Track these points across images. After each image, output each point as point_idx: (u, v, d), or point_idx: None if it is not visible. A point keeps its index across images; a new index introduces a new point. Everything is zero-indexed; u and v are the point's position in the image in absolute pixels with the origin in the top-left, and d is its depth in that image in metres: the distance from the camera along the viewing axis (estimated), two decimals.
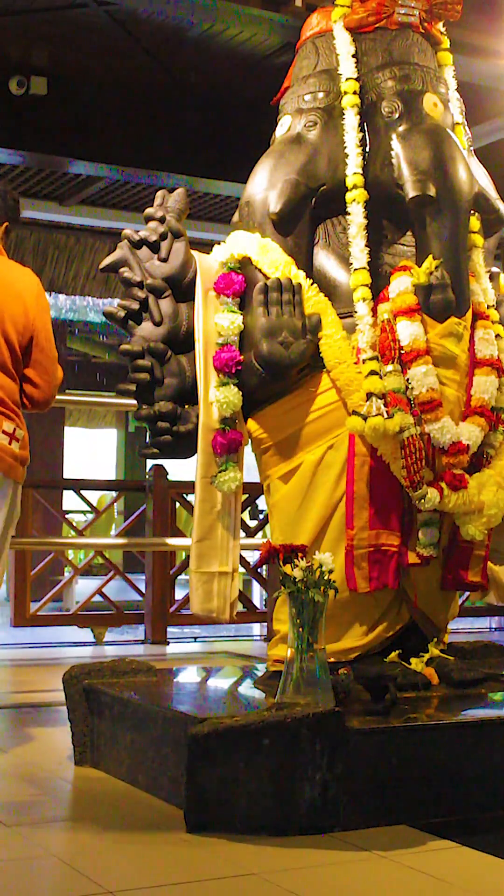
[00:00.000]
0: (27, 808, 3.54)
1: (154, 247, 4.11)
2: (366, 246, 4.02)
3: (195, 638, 8.26)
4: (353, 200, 4.06)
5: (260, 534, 8.38)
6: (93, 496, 12.18)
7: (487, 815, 3.47)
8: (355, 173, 4.07)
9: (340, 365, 3.95)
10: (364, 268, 3.99)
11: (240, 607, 8.56)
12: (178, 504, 8.12)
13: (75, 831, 3.35)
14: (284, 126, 4.31)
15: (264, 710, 3.32)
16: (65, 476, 12.95)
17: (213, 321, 4.04)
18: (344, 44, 4.24)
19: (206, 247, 4.34)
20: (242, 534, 8.15)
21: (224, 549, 3.96)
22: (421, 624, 4.12)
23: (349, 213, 4.06)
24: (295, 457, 4.05)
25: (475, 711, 3.80)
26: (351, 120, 4.12)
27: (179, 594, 8.37)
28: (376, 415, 3.82)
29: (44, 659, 7.14)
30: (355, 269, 4.00)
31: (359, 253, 4.01)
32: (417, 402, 3.88)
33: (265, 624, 8.17)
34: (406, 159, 3.97)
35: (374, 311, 3.98)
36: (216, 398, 3.97)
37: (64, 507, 11.68)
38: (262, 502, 8.08)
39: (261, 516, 8.91)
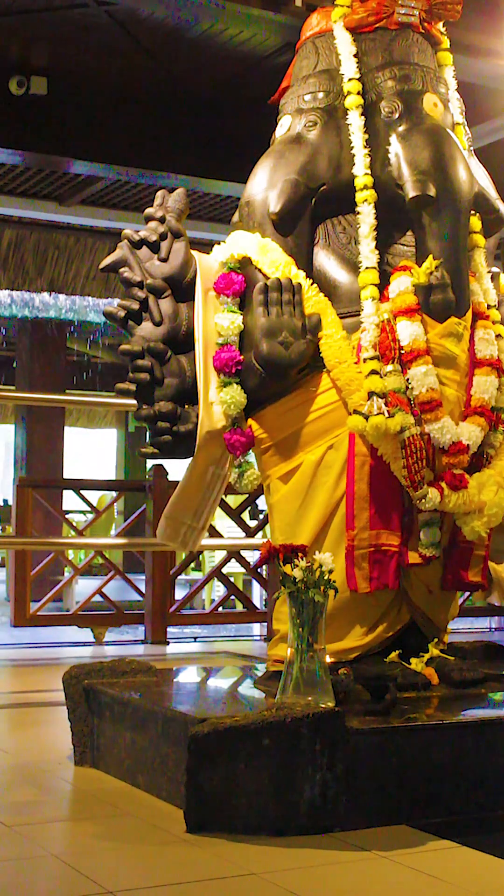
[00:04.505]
0: (27, 808, 3.55)
1: (154, 247, 4.11)
2: (376, 247, 4.01)
3: (195, 638, 8.26)
4: (364, 201, 4.05)
5: (260, 534, 8.38)
6: (93, 496, 12.20)
7: (487, 815, 3.47)
8: (365, 174, 4.06)
9: (340, 365, 3.95)
10: (374, 267, 3.99)
11: (239, 607, 8.63)
12: None
13: (75, 831, 3.36)
14: (284, 126, 4.31)
15: (264, 710, 3.32)
16: (65, 476, 12.95)
17: (213, 321, 4.04)
18: (345, 44, 4.24)
19: (206, 247, 4.34)
20: (242, 534, 8.18)
21: (200, 511, 4.18)
22: (421, 624, 4.12)
23: (359, 213, 4.05)
24: (295, 457, 4.05)
25: (475, 711, 3.80)
26: (356, 120, 4.12)
27: (179, 594, 8.38)
28: (377, 414, 3.82)
29: (44, 659, 7.14)
30: (365, 268, 3.99)
31: (369, 253, 4.00)
32: (417, 402, 3.88)
33: (265, 624, 8.18)
34: (406, 159, 3.96)
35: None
36: (222, 399, 3.97)
37: (64, 507, 11.68)
38: (262, 502, 8.08)
39: (261, 516, 8.91)
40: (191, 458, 4.08)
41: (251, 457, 4.22)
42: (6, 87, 7.43)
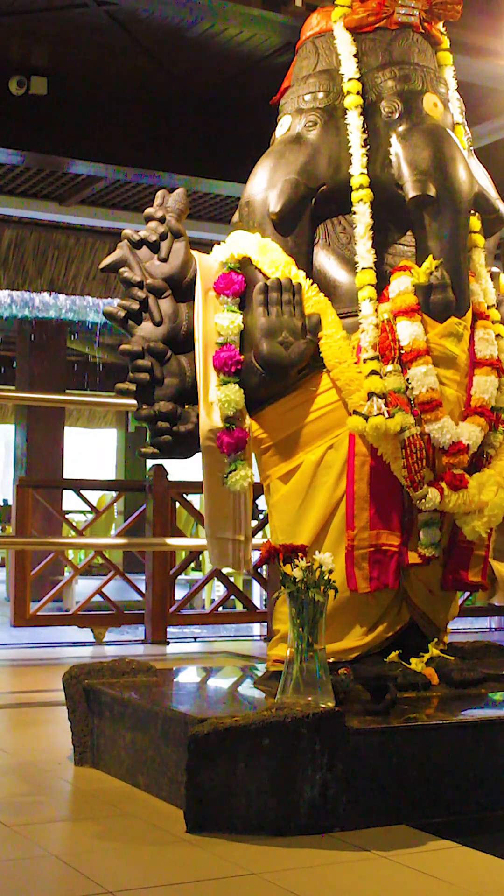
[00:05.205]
0: (27, 808, 3.55)
1: (154, 247, 4.11)
2: (372, 247, 4.01)
3: (195, 638, 8.26)
4: (360, 200, 4.05)
5: (260, 534, 8.37)
6: (93, 496, 12.19)
7: (487, 815, 3.47)
8: (361, 173, 4.06)
9: (340, 365, 3.95)
10: (370, 267, 3.99)
11: (239, 607, 8.63)
12: (178, 504, 8.11)
13: (75, 831, 3.36)
14: (284, 126, 4.31)
15: (264, 710, 3.32)
16: (65, 476, 12.95)
17: (213, 321, 4.04)
18: (345, 44, 4.24)
19: (206, 247, 4.34)
20: None
21: (237, 519, 4.07)
22: (421, 624, 4.12)
23: (355, 213, 4.05)
24: (295, 457, 4.05)
25: (475, 711, 3.80)
26: (354, 120, 4.12)
27: (179, 594, 8.38)
28: (377, 414, 3.82)
29: (44, 659, 7.14)
30: (362, 269, 4.00)
31: (365, 253, 4.01)
32: (417, 402, 3.88)
33: (265, 624, 8.18)
34: (406, 159, 3.96)
35: (376, 311, 3.98)
36: (218, 398, 3.97)
37: (64, 507, 11.67)
38: (262, 502, 8.08)
39: (261, 516, 8.91)
40: (201, 469, 4.04)
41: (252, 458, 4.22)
42: (6, 87, 7.43)
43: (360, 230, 4.03)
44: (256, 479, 4.18)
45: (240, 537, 4.07)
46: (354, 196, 4.06)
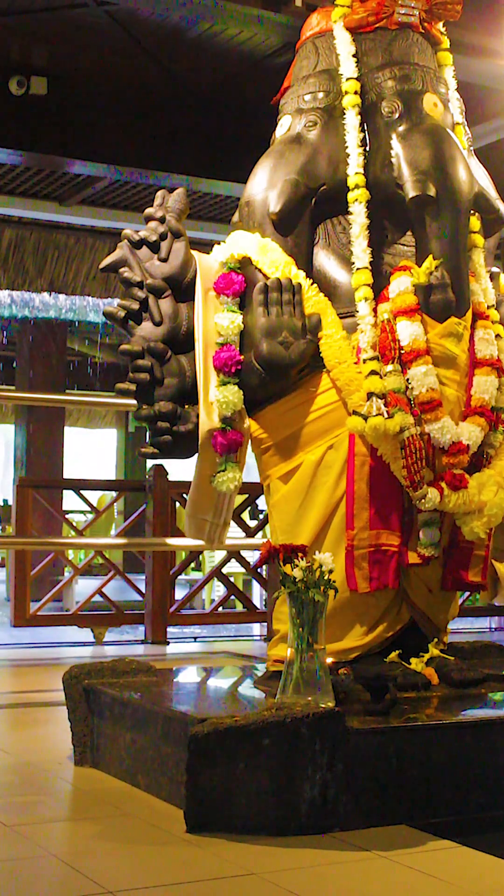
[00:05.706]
0: (27, 808, 3.55)
1: (154, 247, 4.11)
2: (368, 246, 4.02)
3: (195, 638, 8.26)
4: (356, 200, 4.05)
5: (260, 534, 8.38)
6: (93, 496, 12.20)
7: (487, 815, 3.47)
8: (357, 173, 4.07)
9: (340, 365, 3.95)
10: (366, 267, 4.00)
11: (239, 607, 8.63)
12: (178, 504, 8.12)
13: (75, 831, 3.36)
14: (284, 126, 4.31)
15: (264, 710, 3.32)
16: (65, 476, 12.95)
17: (213, 321, 4.04)
18: (344, 44, 4.25)
19: (206, 247, 4.34)
20: (242, 534, 8.18)
21: (218, 509, 4.09)
22: (421, 624, 4.12)
23: (351, 213, 4.06)
24: (295, 457, 4.05)
25: (475, 711, 3.80)
26: (352, 120, 4.12)
27: (179, 594, 8.38)
28: (377, 414, 3.82)
29: (44, 659, 7.14)
30: (357, 269, 4.00)
31: (361, 253, 4.01)
32: (417, 402, 3.88)
33: (265, 624, 8.18)
34: (406, 159, 3.97)
35: (375, 311, 3.98)
36: (217, 398, 3.97)
37: (64, 507, 11.67)
38: (262, 502, 8.08)
39: (261, 516, 8.91)
40: (196, 459, 4.06)
41: (250, 458, 4.22)
42: (6, 87, 7.43)
43: (355, 230, 4.04)
44: (253, 480, 4.18)
45: (217, 521, 4.12)
46: (350, 196, 4.06)
